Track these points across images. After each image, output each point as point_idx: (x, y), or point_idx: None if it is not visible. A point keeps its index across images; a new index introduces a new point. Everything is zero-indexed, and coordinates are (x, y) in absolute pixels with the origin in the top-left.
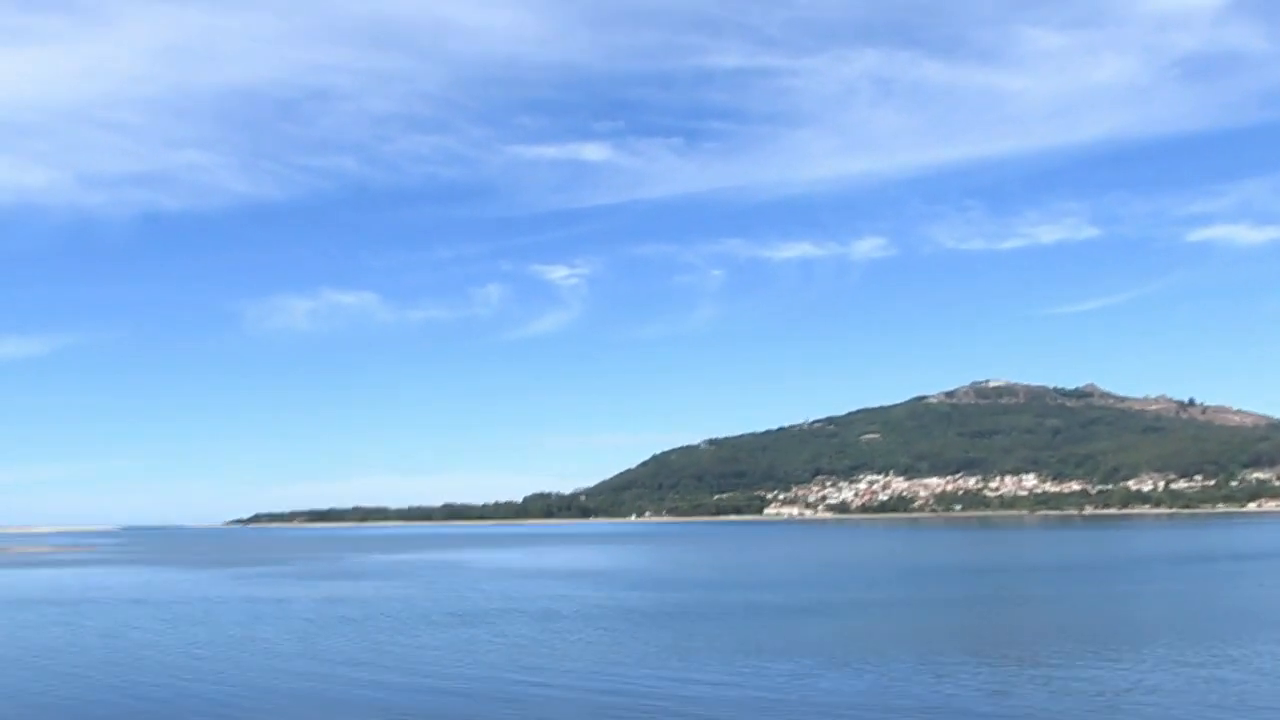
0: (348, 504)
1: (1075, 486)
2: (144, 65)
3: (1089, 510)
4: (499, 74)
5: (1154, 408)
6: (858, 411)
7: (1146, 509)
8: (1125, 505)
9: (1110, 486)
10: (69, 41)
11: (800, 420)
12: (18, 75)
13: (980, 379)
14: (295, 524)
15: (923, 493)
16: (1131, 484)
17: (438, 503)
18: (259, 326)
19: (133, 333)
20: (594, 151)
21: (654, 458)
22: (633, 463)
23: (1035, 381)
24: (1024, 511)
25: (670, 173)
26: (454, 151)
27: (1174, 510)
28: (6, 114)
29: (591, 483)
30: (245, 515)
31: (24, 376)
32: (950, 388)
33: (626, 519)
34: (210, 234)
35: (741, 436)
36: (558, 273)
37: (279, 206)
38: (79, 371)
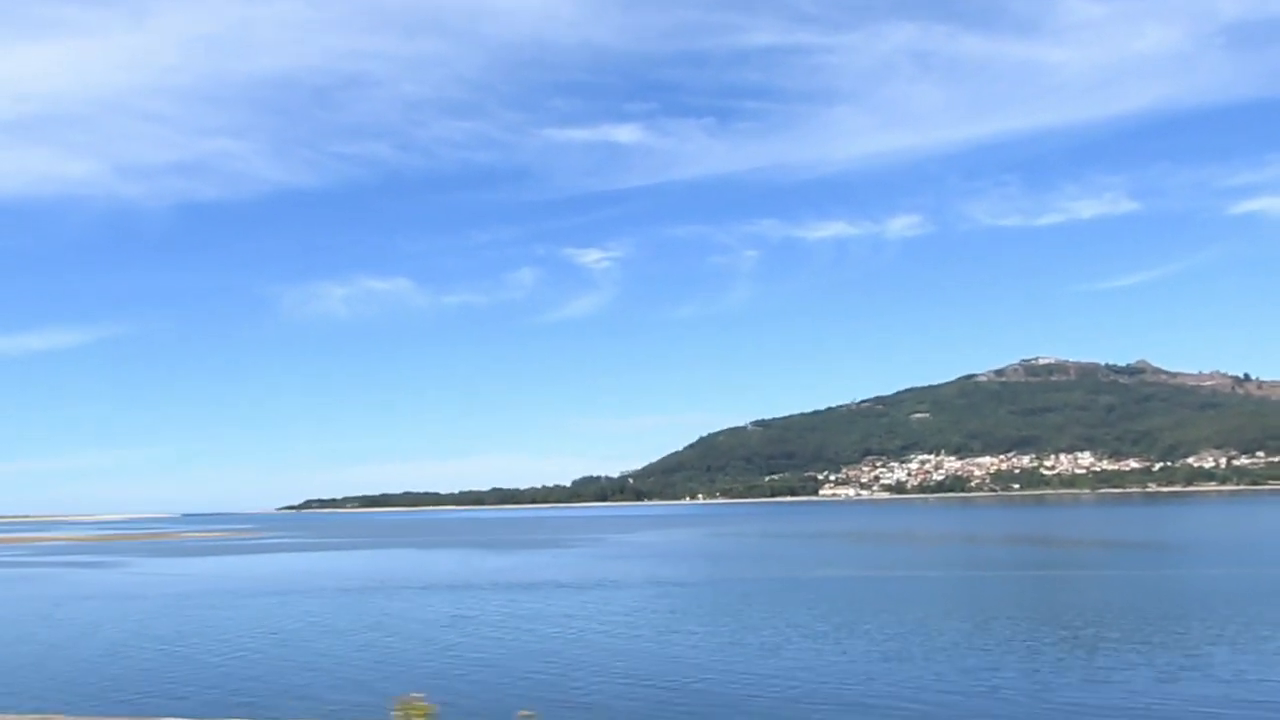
0: (390, 489)
1: (1134, 464)
2: (180, 55)
3: (1152, 488)
4: (531, 57)
5: (1209, 383)
6: (906, 391)
7: (1211, 486)
8: (1190, 482)
9: (1171, 464)
10: (107, 33)
11: (847, 400)
12: (57, 67)
13: (1028, 356)
14: (347, 509)
15: (978, 472)
16: (1192, 461)
17: (483, 486)
18: (296, 313)
19: (172, 321)
20: (626, 133)
21: (701, 439)
22: (675, 444)
23: (1085, 358)
24: (1085, 490)
25: (703, 153)
26: (487, 136)
27: (1240, 487)
28: (46, 106)
29: (635, 465)
30: (295, 501)
31: (66, 365)
32: (999, 365)
33: (680, 501)
34: (246, 222)
35: (789, 417)
36: (591, 256)
37: (314, 193)
38: (120, 360)
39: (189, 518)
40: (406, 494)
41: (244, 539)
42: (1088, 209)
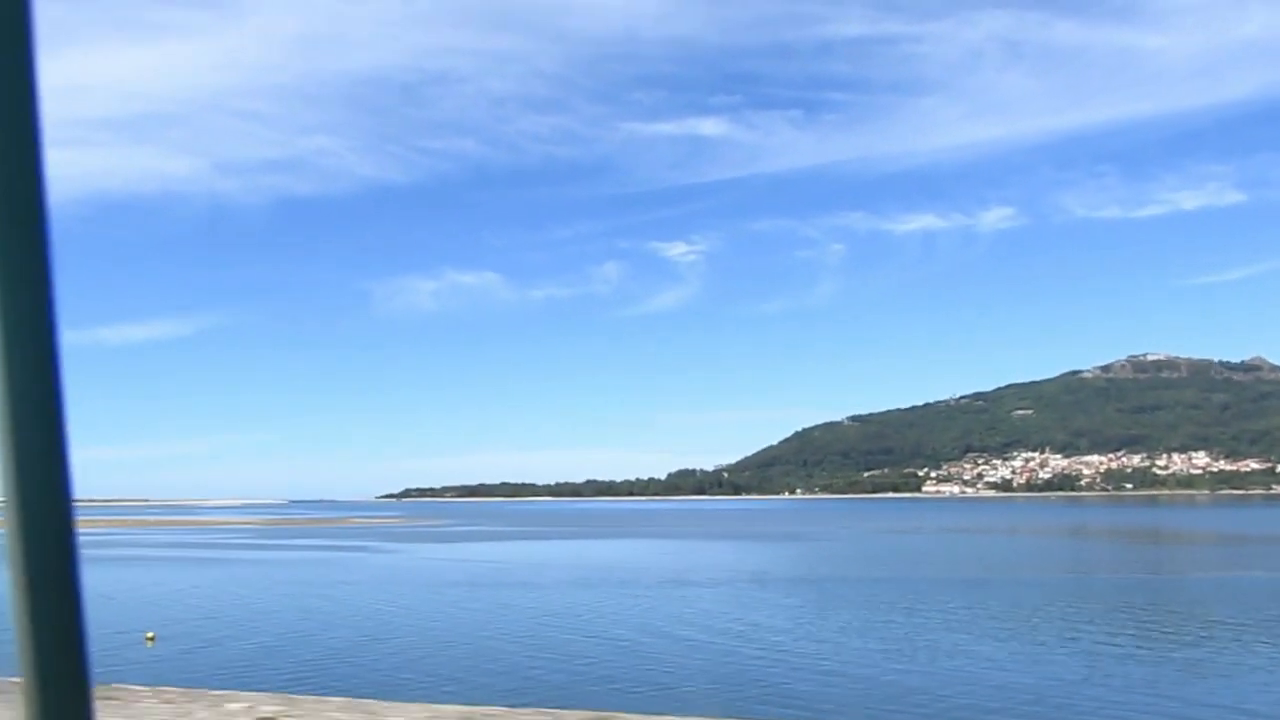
0: (484, 479)
1: (1253, 465)
2: (276, 54)
3: (1275, 489)
4: (615, 51)
5: None
6: (1007, 387)
7: None
8: None
9: None
10: (207, 34)
11: (945, 396)
12: (161, 68)
13: (1136, 353)
14: (446, 498)
15: (1086, 471)
16: None
17: (574, 478)
18: (386, 306)
19: (268, 314)
20: (711, 126)
21: (796, 434)
22: (765, 439)
23: (1196, 354)
24: (1203, 491)
25: (789, 146)
26: (571, 130)
27: None
28: (151, 106)
29: (725, 460)
30: (394, 490)
31: (166, 356)
32: (1104, 361)
33: (778, 496)
34: (339, 217)
35: (886, 413)
36: (676, 249)
37: (403, 189)
38: (218, 351)
39: (296, 504)
40: (504, 484)
41: (428, 526)
42: (1190, 200)
